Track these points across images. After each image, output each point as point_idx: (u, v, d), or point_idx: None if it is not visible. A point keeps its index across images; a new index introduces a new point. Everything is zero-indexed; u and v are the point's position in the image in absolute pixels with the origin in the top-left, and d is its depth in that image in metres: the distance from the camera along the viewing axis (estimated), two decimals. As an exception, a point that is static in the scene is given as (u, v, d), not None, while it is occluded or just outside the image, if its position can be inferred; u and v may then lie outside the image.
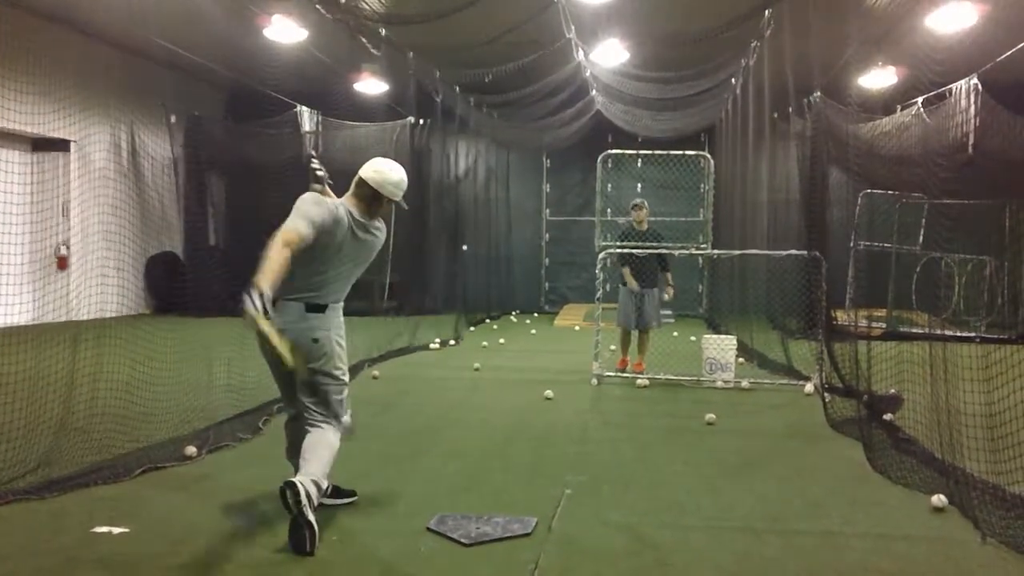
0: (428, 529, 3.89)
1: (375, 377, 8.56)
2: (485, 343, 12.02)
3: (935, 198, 8.88)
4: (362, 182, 4.05)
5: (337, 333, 4.05)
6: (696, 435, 6.18)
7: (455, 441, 5.91)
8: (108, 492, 4.42)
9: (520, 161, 18.97)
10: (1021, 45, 10.34)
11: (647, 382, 8.34)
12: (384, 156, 4.31)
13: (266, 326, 3.45)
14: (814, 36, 8.82)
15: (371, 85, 13.66)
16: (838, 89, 10.52)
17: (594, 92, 14.48)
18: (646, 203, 9.63)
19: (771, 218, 13.85)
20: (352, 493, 4.31)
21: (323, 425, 3.99)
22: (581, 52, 12.09)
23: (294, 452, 4.03)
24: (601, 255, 8.95)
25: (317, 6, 9.73)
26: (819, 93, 10.40)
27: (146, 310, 15.07)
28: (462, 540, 3.74)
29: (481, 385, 8.45)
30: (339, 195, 4.18)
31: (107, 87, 13.75)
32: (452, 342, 11.98)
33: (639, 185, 16.73)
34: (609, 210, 14.34)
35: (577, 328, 14.61)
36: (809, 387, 7.92)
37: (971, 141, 12.67)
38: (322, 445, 3.91)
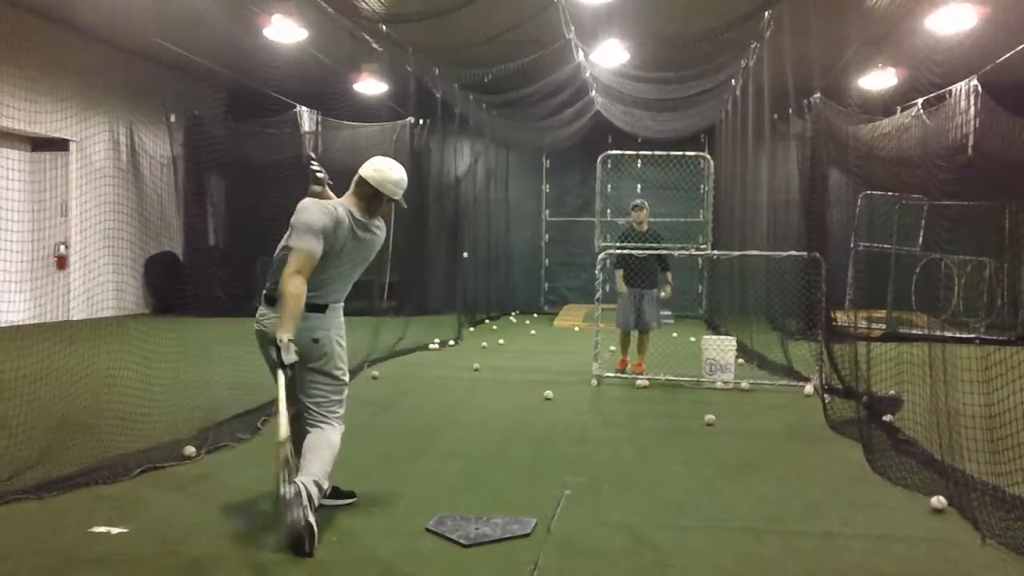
0: (427, 530, 3.89)
1: (374, 377, 8.55)
2: (484, 343, 12.01)
3: (935, 199, 8.89)
4: (362, 181, 4.05)
5: (337, 333, 4.05)
6: (696, 436, 6.18)
7: (454, 441, 5.91)
8: (107, 492, 4.41)
9: (520, 161, 18.95)
10: (1021, 47, 10.35)
11: (647, 383, 8.34)
12: (384, 156, 4.31)
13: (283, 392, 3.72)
14: (814, 37, 8.81)
15: (371, 85, 13.65)
16: (838, 90, 10.52)
17: (594, 92, 14.47)
18: (646, 204, 9.62)
19: (771, 219, 13.84)
20: (352, 494, 4.30)
21: (323, 425, 3.99)
22: (581, 52, 12.09)
23: (294, 452, 4.02)
24: (601, 256, 8.96)
25: (321, 1, 9.71)
26: (819, 94, 10.40)
27: (145, 310, 15.07)
28: (461, 541, 3.74)
29: (480, 386, 8.45)
30: (339, 195, 4.18)
31: (107, 87, 13.74)
32: (452, 342, 11.97)
33: (639, 186, 16.74)
34: (609, 211, 14.38)
35: (577, 329, 14.61)
36: (809, 388, 7.92)
37: (971, 143, 12.68)
38: (323, 445, 3.91)
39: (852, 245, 12.10)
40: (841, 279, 12.00)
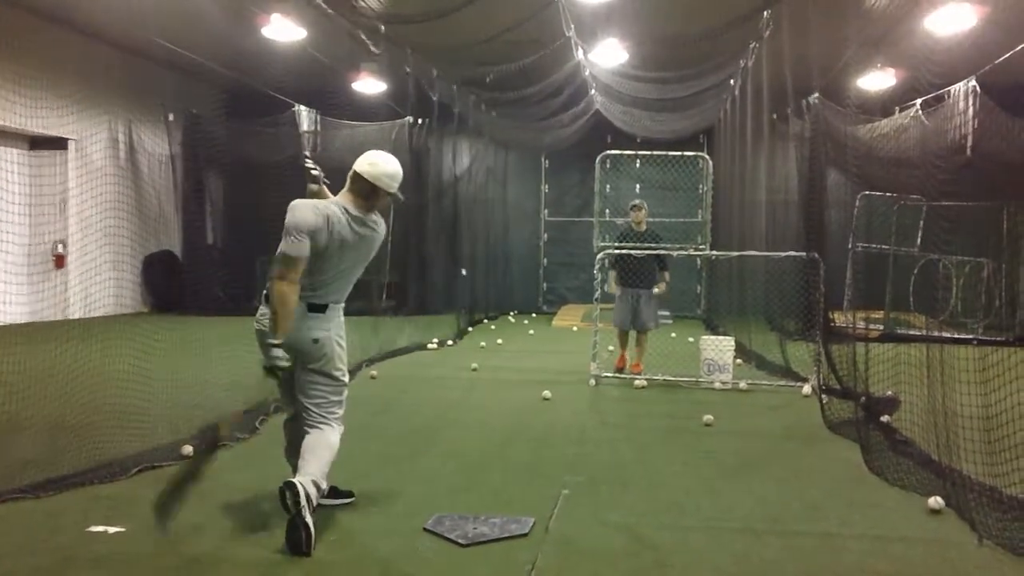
0: (425, 529, 3.89)
1: (373, 377, 8.55)
2: (483, 343, 12.01)
3: (933, 200, 8.89)
4: (357, 176, 4.03)
5: (337, 333, 4.04)
6: (694, 436, 6.18)
7: (453, 441, 5.91)
8: (105, 491, 4.41)
9: (518, 161, 18.93)
10: (1019, 47, 10.35)
11: (645, 383, 8.34)
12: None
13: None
14: (813, 37, 8.81)
15: (370, 84, 13.65)
16: (837, 90, 10.53)
17: (593, 92, 14.47)
18: (645, 204, 9.62)
19: (769, 219, 13.85)
20: (350, 494, 4.30)
21: (322, 426, 3.98)
22: (580, 51, 12.08)
23: (293, 452, 4.03)
24: (599, 256, 8.95)
25: (320, 1, 9.70)
26: (818, 94, 10.41)
27: (144, 308, 15.05)
28: (459, 540, 3.74)
29: (479, 385, 8.45)
30: (337, 194, 4.16)
31: (106, 86, 13.74)
32: (450, 342, 11.97)
33: (638, 186, 16.73)
34: (607, 211, 14.40)
35: (575, 329, 14.60)
36: (807, 388, 7.92)
37: (969, 143, 12.67)
38: (321, 445, 3.90)
39: (850, 246, 12.10)
40: (839, 280, 12.00)
